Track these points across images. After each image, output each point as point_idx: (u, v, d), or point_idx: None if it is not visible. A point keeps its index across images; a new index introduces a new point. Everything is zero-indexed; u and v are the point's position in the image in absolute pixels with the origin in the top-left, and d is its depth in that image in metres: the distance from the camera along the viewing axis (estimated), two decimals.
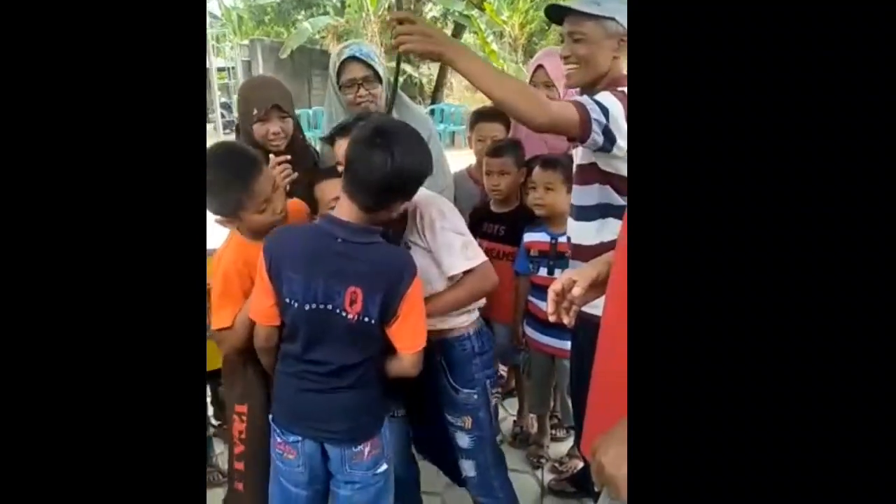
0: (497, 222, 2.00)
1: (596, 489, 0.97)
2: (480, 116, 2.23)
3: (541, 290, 1.89)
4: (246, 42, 15.29)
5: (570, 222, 1.57)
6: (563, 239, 1.86)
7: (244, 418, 1.42)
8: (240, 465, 1.43)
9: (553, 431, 2.23)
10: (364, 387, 1.24)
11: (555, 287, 1.04)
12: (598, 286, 1.03)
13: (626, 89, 1.44)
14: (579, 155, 1.51)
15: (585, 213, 1.49)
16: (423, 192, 1.34)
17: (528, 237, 1.94)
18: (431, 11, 14.95)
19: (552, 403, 2.20)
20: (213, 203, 1.26)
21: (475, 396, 1.42)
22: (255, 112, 1.65)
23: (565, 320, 1.03)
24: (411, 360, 1.23)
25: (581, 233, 1.52)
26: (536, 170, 1.87)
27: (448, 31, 14.71)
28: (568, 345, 1.82)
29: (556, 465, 2.10)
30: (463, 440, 1.47)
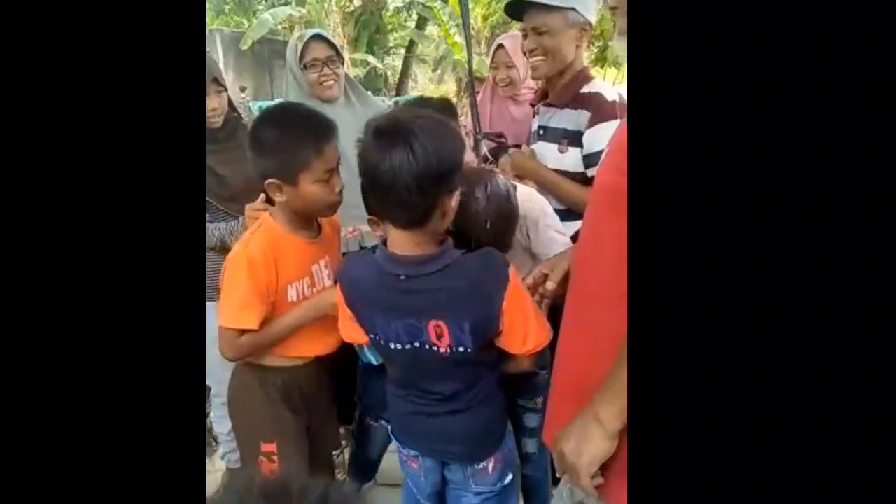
0: None
1: (558, 475, 0.99)
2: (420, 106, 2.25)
3: None
4: None
5: None
6: None
7: (274, 458, 1.25)
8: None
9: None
10: (480, 406, 1.13)
11: (527, 281, 1.05)
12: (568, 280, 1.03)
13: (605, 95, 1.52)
14: (557, 162, 1.57)
15: (560, 217, 1.58)
16: (523, 190, 1.33)
17: None
18: (394, 2, 14.84)
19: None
20: (272, 161, 1.16)
21: (548, 376, 1.46)
22: None
23: None
24: (530, 361, 1.13)
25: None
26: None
27: (412, 24, 14.65)
28: None
29: None
30: (531, 420, 1.49)
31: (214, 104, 1.62)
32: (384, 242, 1.05)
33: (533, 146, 1.69)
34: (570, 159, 1.55)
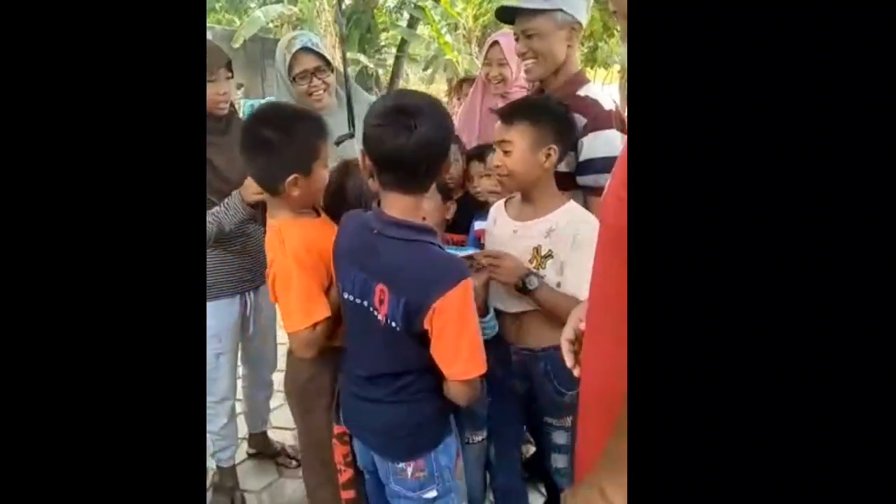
0: None
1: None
2: None
3: None
4: None
5: None
6: None
7: (346, 439, 1.31)
8: (349, 494, 1.33)
9: None
10: (404, 405, 1.13)
11: (566, 336, 0.92)
12: None
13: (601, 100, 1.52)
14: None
15: None
16: (578, 211, 1.37)
17: (479, 225, 2.01)
18: (387, 3, 14.85)
19: None
20: (286, 159, 1.20)
21: (575, 397, 1.46)
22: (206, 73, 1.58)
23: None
24: (457, 389, 1.09)
25: None
26: (491, 158, 1.93)
27: (403, 23, 14.65)
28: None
29: None
30: (561, 438, 1.50)
31: (225, 88, 1.64)
32: (378, 203, 1.14)
33: None
34: (561, 163, 1.55)
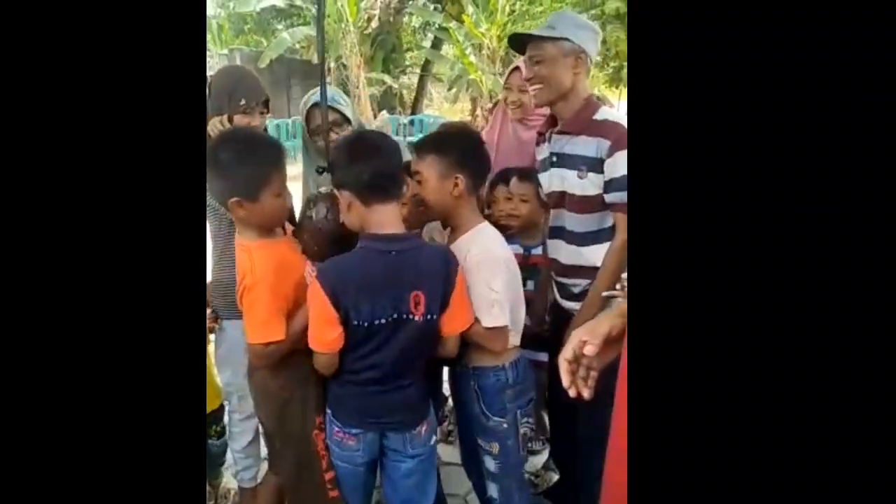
0: None
1: None
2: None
3: None
4: (225, 51, 15.20)
5: (562, 245, 1.70)
6: (535, 251, 1.87)
7: (324, 427, 1.43)
8: (332, 474, 1.43)
9: (529, 444, 2.22)
10: (420, 381, 1.38)
11: (565, 356, 0.89)
12: (613, 342, 0.88)
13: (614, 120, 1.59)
14: (577, 187, 1.61)
15: (580, 238, 1.65)
16: (482, 238, 1.44)
17: None
18: (411, 23, 15.04)
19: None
20: (235, 181, 1.28)
21: (504, 425, 1.48)
22: (243, 102, 1.63)
23: (585, 394, 0.88)
24: (454, 342, 1.38)
25: (572, 254, 1.68)
26: (514, 182, 1.89)
27: (427, 44, 14.81)
28: (544, 357, 1.84)
29: (532, 478, 2.09)
30: (490, 464, 1.53)
31: (257, 122, 1.70)
32: (365, 235, 1.30)
33: (545, 173, 1.72)
34: (590, 184, 1.59)
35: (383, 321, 1.26)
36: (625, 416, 0.80)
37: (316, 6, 1.72)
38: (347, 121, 1.89)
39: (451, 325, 1.35)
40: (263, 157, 1.31)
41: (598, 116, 1.60)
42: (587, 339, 0.87)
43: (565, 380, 0.89)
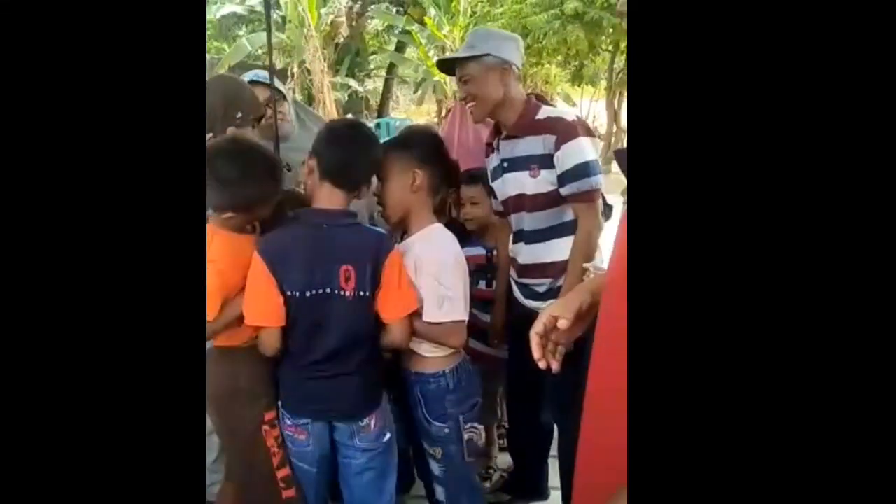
0: None
1: None
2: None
3: (481, 303, 1.94)
4: None
5: (522, 247, 1.72)
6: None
7: (276, 423, 1.40)
8: (285, 472, 1.41)
9: (500, 441, 2.26)
10: (366, 366, 1.37)
11: (536, 329, 0.91)
12: (583, 317, 0.91)
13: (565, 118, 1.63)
14: (531, 186, 1.65)
15: (538, 236, 1.68)
16: (433, 236, 1.45)
17: (466, 252, 1.97)
18: (374, 27, 15.00)
19: (499, 414, 2.23)
20: (231, 198, 1.29)
21: (446, 430, 1.48)
22: (239, 116, 1.62)
23: (554, 366, 0.92)
24: (398, 329, 1.36)
25: (532, 254, 1.70)
26: (462, 186, 1.91)
27: (391, 47, 14.78)
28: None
29: (504, 474, 2.13)
30: (435, 468, 1.54)
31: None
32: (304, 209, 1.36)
33: (497, 181, 1.75)
34: (544, 180, 1.63)
35: (315, 292, 1.28)
36: (597, 393, 0.86)
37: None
38: (283, 96, 1.95)
39: (388, 309, 1.34)
40: (263, 174, 1.32)
41: (540, 115, 1.64)
42: (558, 314, 0.90)
43: (536, 352, 0.92)
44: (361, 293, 1.30)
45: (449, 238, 1.48)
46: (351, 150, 1.34)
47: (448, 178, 1.55)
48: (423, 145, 1.48)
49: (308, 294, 1.28)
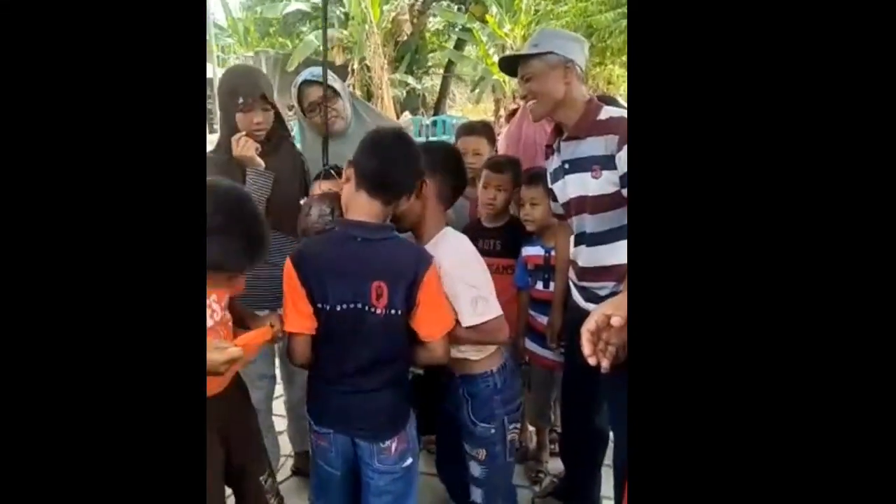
0: (491, 237, 2.02)
1: None
2: (464, 130, 2.27)
3: (539, 304, 1.90)
4: (251, 54, 15.42)
5: (583, 249, 1.68)
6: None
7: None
8: None
9: (552, 446, 2.23)
10: (392, 387, 1.33)
11: (588, 326, 0.91)
12: None
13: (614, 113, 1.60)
14: (594, 187, 1.61)
15: (600, 238, 1.64)
16: (453, 241, 1.43)
17: (526, 251, 1.96)
18: (435, 25, 15.06)
19: (552, 418, 2.19)
20: (224, 256, 1.16)
21: (492, 431, 1.49)
22: (241, 101, 1.65)
23: (604, 364, 0.91)
24: (440, 346, 1.32)
25: (593, 257, 1.66)
26: (523, 187, 1.89)
27: (451, 45, 14.81)
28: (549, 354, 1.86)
29: (555, 479, 2.09)
30: (475, 469, 1.54)
31: (260, 118, 1.69)
32: (340, 214, 1.34)
33: (558, 183, 1.72)
34: (606, 181, 1.59)
35: (346, 307, 1.26)
36: None
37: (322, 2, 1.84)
38: (337, 94, 1.95)
39: (429, 328, 1.31)
40: (246, 252, 1.20)
41: (602, 116, 1.60)
42: (611, 312, 0.90)
43: (587, 349, 0.91)
44: (393, 311, 1.26)
45: (462, 238, 1.47)
46: (389, 159, 1.29)
47: (460, 188, 1.52)
48: (437, 157, 1.46)
49: (339, 308, 1.26)
